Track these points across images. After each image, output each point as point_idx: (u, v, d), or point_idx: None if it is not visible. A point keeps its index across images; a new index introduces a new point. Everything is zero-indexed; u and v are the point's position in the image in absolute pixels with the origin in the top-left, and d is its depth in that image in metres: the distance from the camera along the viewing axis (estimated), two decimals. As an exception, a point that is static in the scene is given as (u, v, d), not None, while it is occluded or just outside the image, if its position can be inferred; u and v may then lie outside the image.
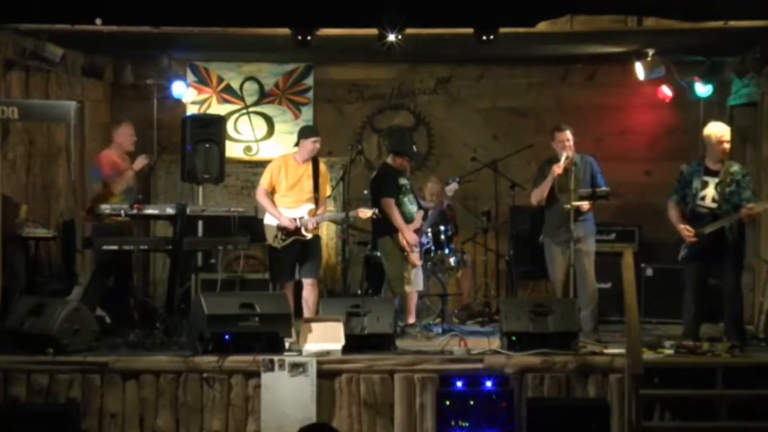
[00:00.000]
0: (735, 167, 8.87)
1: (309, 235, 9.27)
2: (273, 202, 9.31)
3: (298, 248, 9.28)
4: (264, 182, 9.39)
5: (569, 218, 9.06)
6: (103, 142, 11.58)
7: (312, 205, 9.31)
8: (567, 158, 9.16)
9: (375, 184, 9.83)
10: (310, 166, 9.36)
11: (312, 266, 9.36)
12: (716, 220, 8.75)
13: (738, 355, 8.36)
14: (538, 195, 9.34)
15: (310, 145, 9.34)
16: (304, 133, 9.47)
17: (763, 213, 9.42)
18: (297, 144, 9.45)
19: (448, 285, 10.43)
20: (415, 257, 9.61)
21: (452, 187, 9.97)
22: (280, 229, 9.25)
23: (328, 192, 9.62)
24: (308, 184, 9.33)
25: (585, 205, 9.14)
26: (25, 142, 9.85)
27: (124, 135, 9.71)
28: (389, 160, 9.88)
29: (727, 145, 8.83)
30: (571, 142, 9.25)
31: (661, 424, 8.10)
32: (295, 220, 9.22)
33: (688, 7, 8.54)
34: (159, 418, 8.14)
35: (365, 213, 9.36)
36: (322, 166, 9.49)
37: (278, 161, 9.52)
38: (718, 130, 8.86)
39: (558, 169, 9.14)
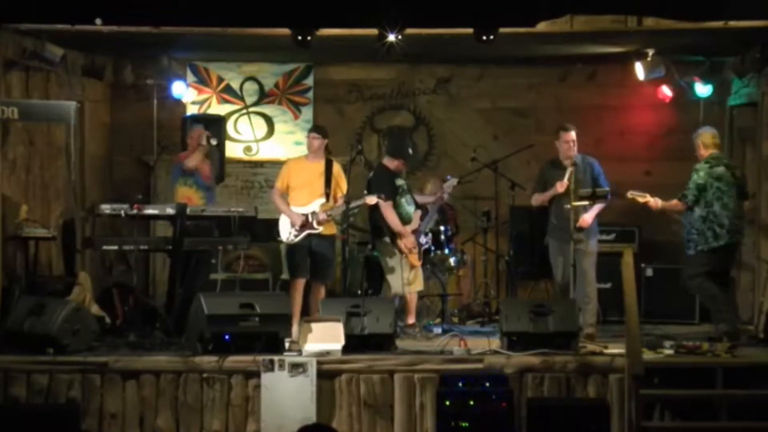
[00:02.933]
0: (699, 164, 9.20)
1: (320, 228, 9.33)
2: (286, 201, 9.43)
3: (312, 245, 9.36)
4: (277, 183, 9.58)
5: (571, 218, 9.06)
6: (103, 142, 11.64)
7: (323, 200, 9.39)
8: (570, 173, 9.12)
9: (371, 186, 9.82)
10: (323, 166, 9.46)
11: (323, 271, 9.45)
12: None
13: (737, 354, 8.37)
14: (537, 201, 9.37)
15: (308, 140, 9.57)
16: (316, 129, 9.76)
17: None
18: None
19: (448, 285, 10.43)
20: (414, 258, 9.60)
21: (450, 183, 9.99)
22: (293, 225, 9.35)
23: (344, 190, 9.49)
24: (320, 182, 9.41)
25: (586, 220, 9.11)
26: (25, 142, 9.85)
27: (191, 137, 9.85)
28: (385, 161, 9.88)
29: (700, 151, 9.22)
30: (575, 143, 9.23)
31: (661, 424, 8.10)
32: (303, 216, 9.32)
33: (688, 7, 8.53)
34: (159, 418, 8.14)
35: (372, 199, 9.40)
36: (336, 166, 9.55)
37: (290, 161, 9.79)
38: (694, 137, 9.37)
39: (561, 187, 9.10)
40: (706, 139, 9.25)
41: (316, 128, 9.78)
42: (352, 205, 9.26)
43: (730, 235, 9.02)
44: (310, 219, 9.32)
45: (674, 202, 9.16)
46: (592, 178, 9.29)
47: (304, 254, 9.36)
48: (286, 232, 9.39)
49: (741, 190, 9.27)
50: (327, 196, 9.40)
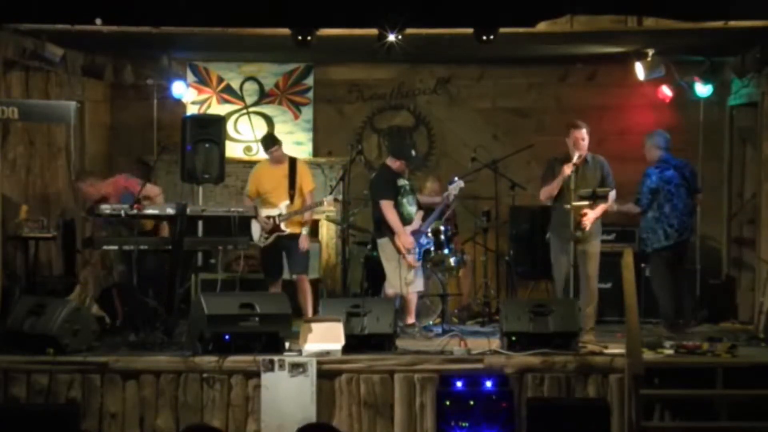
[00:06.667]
0: (651, 168, 9.93)
1: (286, 230, 9.68)
2: (254, 207, 9.72)
3: (283, 245, 9.72)
4: (247, 190, 9.98)
5: (571, 218, 9.02)
6: (103, 142, 11.64)
7: (288, 201, 9.73)
8: (579, 157, 9.09)
9: (373, 186, 9.85)
10: (286, 168, 9.82)
11: (296, 261, 9.74)
12: None
13: (737, 354, 8.37)
14: (547, 193, 9.20)
15: (271, 155, 9.86)
16: (263, 144, 10.06)
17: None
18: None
19: (448, 285, 10.42)
20: (411, 259, 9.59)
21: (457, 185, 9.95)
22: (263, 229, 9.69)
23: (310, 187, 9.89)
24: (284, 184, 9.78)
25: (586, 222, 9.05)
26: (25, 142, 9.86)
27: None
28: (388, 161, 9.89)
29: (651, 152, 9.91)
30: (586, 141, 9.17)
31: (661, 424, 8.10)
32: (269, 219, 9.69)
33: (688, 7, 8.53)
34: (159, 418, 8.14)
35: (329, 201, 9.97)
36: (300, 165, 9.90)
37: (256, 168, 10.13)
38: (647, 139, 10.06)
39: (568, 169, 9.01)
40: (659, 143, 9.83)
41: (271, 141, 9.94)
42: (310, 205, 9.70)
43: (679, 233, 9.66)
44: (277, 221, 9.68)
45: (630, 205, 9.84)
46: (602, 177, 9.24)
47: (275, 256, 9.75)
48: (257, 234, 9.76)
49: (691, 187, 9.82)
50: (291, 197, 9.73)
